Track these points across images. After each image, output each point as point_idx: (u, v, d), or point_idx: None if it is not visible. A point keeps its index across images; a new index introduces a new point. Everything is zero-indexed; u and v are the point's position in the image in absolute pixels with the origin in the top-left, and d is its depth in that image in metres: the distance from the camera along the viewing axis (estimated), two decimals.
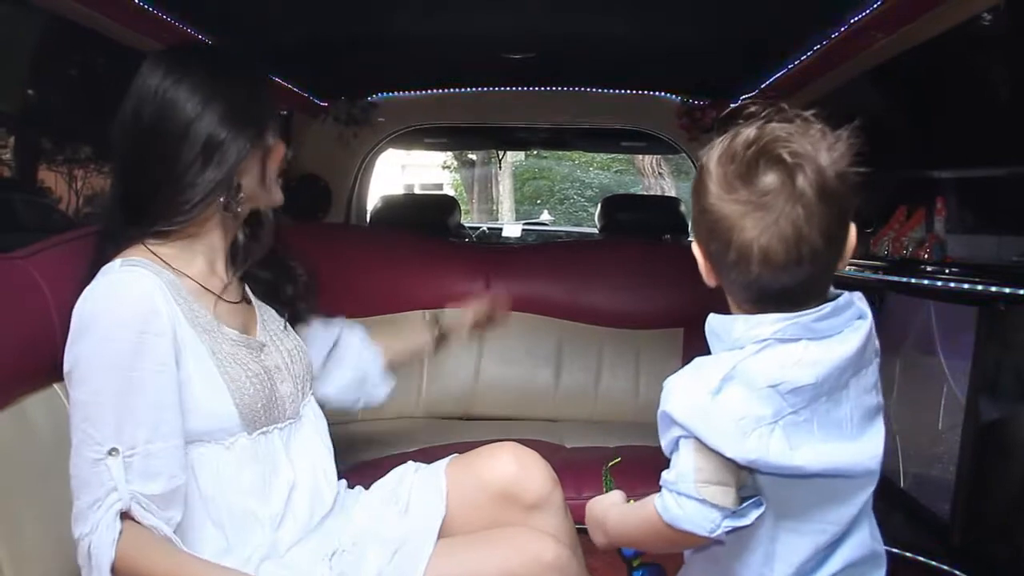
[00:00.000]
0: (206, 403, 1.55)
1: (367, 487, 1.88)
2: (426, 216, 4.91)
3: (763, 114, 1.18)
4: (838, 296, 1.20)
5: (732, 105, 3.35)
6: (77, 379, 1.48)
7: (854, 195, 1.15)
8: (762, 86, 3.02)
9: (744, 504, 1.19)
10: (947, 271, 2.03)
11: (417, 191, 16.72)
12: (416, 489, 1.78)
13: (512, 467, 1.78)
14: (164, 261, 1.59)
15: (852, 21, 2.16)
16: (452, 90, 3.56)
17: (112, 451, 1.43)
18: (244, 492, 1.59)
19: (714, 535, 1.18)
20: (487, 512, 1.74)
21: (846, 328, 1.19)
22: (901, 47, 2.15)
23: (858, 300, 1.22)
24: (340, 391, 2.04)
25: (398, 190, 13.10)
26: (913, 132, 2.95)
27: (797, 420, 1.16)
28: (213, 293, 1.66)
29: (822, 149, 1.13)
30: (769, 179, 1.14)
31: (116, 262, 1.56)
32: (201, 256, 1.66)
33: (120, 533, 1.43)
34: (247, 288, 1.80)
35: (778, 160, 1.13)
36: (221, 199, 1.60)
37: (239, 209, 1.64)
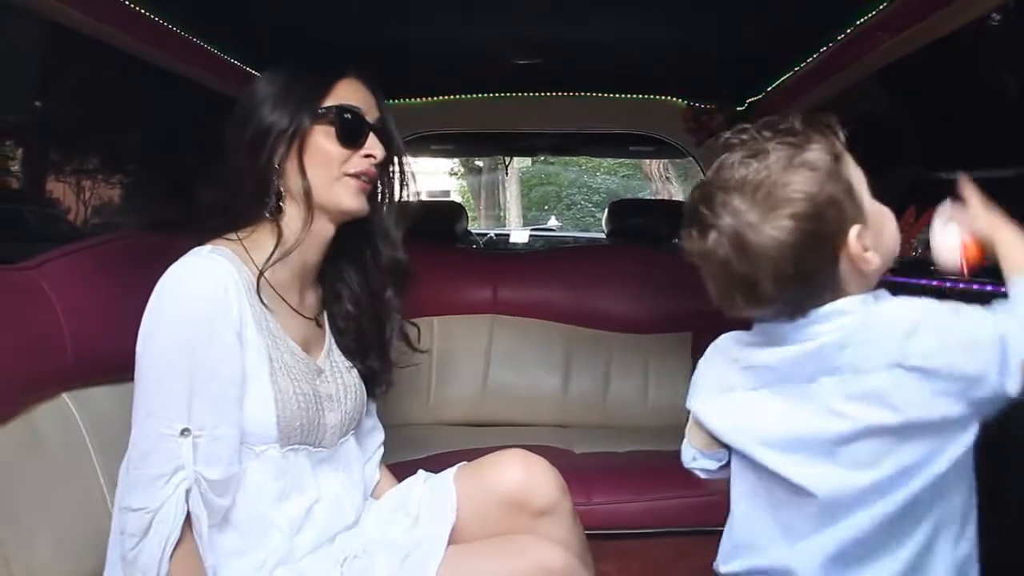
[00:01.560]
0: (250, 406, 1.56)
1: (377, 496, 1.90)
2: (433, 223, 4.91)
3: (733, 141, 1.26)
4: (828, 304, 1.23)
5: (739, 109, 3.34)
6: (152, 352, 1.50)
7: (799, 239, 1.18)
8: (768, 89, 3.01)
9: (717, 451, 1.40)
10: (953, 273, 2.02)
11: (424, 198, 16.74)
12: (425, 499, 1.77)
13: (520, 474, 1.77)
14: (251, 258, 1.62)
15: (858, 23, 2.16)
16: (458, 96, 3.56)
17: (184, 431, 1.47)
18: (264, 501, 1.60)
19: (689, 466, 1.46)
20: (495, 519, 1.74)
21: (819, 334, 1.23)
22: (908, 48, 2.14)
23: (850, 305, 1.22)
24: None
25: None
26: (922, 133, 2.95)
27: (756, 396, 1.30)
28: (287, 303, 1.68)
29: (743, 211, 1.19)
30: (701, 238, 1.23)
31: (207, 247, 1.59)
32: (291, 264, 1.67)
33: (186, 515, 1.47)
34: (326, 314, 1.81)
35: (702, 224, 1.23)
36: (272, 191, 1.63)
37: (281, 203, 1.64)
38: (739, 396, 1.31)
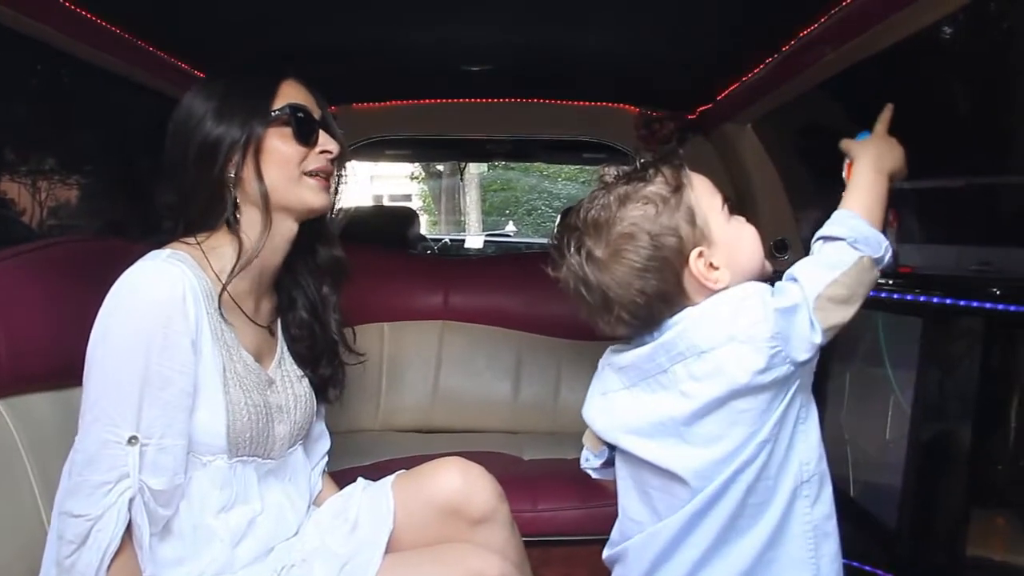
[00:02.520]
0: (200, 416, 1.55)
1: (319, 503, 1.89)
2: (386, 228, 4.90)
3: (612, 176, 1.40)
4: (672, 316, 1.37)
5: (689, 117, 3.36)
6: (104, 355, 1.49)
7: (640, 269, 1.33)
8: (718, 98, 3.03)
9: (601, 449, 1.52)
10: (889, 282, 2.06)
11: (386, 202, 16.73)
12: (364, 506, 1.77)
13: (457, 482, 1.78)
14: (210, 264, 1.62)
15: (802, 35, 2.18)
16: (411, 102, 3.55)
17: (132, 439, 1.45)
18: (208, 511, 1.59)
19: (583, 467, 1.59)
20: (433, 527, 1.75)
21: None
22: (854, 59, 2.16)
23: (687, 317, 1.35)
24: None
25: (367, 201, 13.11)
26: None
27: (627, 393, 1.42)
28: (242, 311, 1.68)
29: (587, 249, 1.36)
30: (556, 272, 1.42)
31: (165, 251, 1.58)
32: (249, 272, 1.66)
33: (127, 524, 1.46)
34: (279, 321, 1.81)
35: (555, 262, 1.41)
36: (229, 201, 1.63)
37: (237, 215, 1.64)
38: (613, 396, 1.45)
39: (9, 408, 1.65)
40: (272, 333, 1.78)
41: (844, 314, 1.31)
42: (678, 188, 1.35)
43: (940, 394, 1.86)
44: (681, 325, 1.34)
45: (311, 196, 1.67)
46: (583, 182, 19.68)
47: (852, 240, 1.33)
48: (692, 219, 1.34)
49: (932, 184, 2.62)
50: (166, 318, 1.49)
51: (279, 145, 1.64)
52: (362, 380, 3.17)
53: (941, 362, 1.86)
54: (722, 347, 1.30)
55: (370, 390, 3.24)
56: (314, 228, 1.78)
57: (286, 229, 1.69)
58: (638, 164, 1.39)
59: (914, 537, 1.88)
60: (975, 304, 1.73)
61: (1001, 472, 1.83)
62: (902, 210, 2.44)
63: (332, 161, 1.71)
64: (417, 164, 17.84)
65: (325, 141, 1.69)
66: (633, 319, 1.37)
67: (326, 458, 1.98)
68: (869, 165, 1.45)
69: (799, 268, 1.34)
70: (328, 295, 1.85)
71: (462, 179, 17.18)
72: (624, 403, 1.43)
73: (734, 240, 1.38)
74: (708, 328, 1.32)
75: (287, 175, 1.65)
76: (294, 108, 1.66)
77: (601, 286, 1.35)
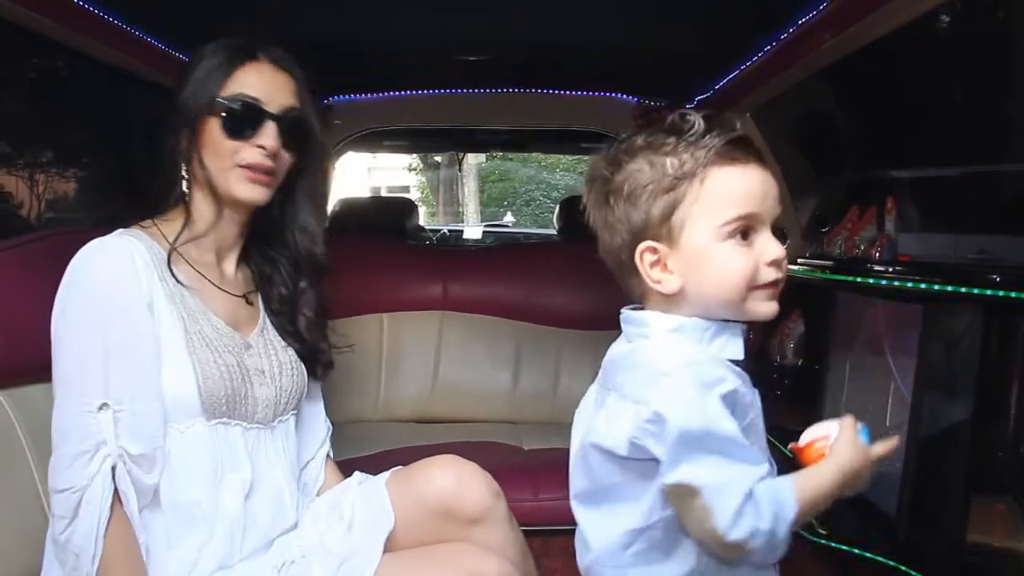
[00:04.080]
0: (168, 377, 1.55)
1: (321, 494, 1.88)
2: (384, 219, 4.90)
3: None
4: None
5: (688, 106, 3.35)
6: (64, 330, 1.51)
7: (609, 220, 1.28)
8: (716, 87, 3.03)
9: None
10: (889, 269, 2.05)
11: (384, 193, 16.71)
12: (360, 503, 1.76)
13: (450, 481, 1.75)
14: (165, 238, 1.63)
15: (800, 23, 2.18)
16: (408, 92, 3.55)
17: (103, 406, 1.47)
18: (194, 484, 1.58)
19: None
20: (429, 527, 1.73)
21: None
22: (851, 47, 2.16)
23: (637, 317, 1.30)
24: None
25: (365, 193, 13.06)
26: (867, 132, 2.97)
27: (592, 393, 1.35)
28: (206, 279, 1.68)
29: (592, 180, 1.30)
30: None
31: (117, 230, 1.60)
32: (206, 245, 1.69)
33: (114, 492, 1.48)
34: (259, 295, 1.81)
35: None
36: (179, 177, 1.64)
37: (187, 190, 1.65)
38: (591, 391, 1.38)
39: (10, 399, 1.66)
40: (250, 302, 1.78)
41: (678, 503, 1.21)
42: (683, 177, 1.21)
43: (940, 381, 1.86)
44: (630, 357, 1.27)
45: (238, 187, 1.64)
46: (581, 172, 19.58)
47: (759, 531, 1.15)
48: (669, 213, 1.22)
49: (930, 173, 2.62)
50: (119, 286, 1.52)
51: (215, 133, 1.63)
52: (361, 371, 3.18)
53: (941, 349, 1.86)
54: (631, 404, 1.21)
55: (369, 381, 3.24)
56: (287, 218, 1.78)
57: (228, 212, 1.69)
58: (694, 121, 1.23)
59: (914, 524, 1.88)
60: (975, 291, 1.72)
61: (1001, 458, 1.83)
62: (900, 199, 2.44)
63: (272, 157, 1.65)
64: (415, 155, 17.82)
65: (264, 136, 1.64)
66: (608, 258, 1.32)
67: (327, 445, 1.96)
68: (830, 466, 1.25)
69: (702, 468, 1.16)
70: (304, 289, 1.82)
71: (460, 170, 17.13)
72: (588, 404, 1.38)
73: (704, 260, 1.23)
74: (631, 376, 1.24)
75: (219, 164, 1.64)
76: (233, 99, 1.63)
77: (592, 215, 1.31)
